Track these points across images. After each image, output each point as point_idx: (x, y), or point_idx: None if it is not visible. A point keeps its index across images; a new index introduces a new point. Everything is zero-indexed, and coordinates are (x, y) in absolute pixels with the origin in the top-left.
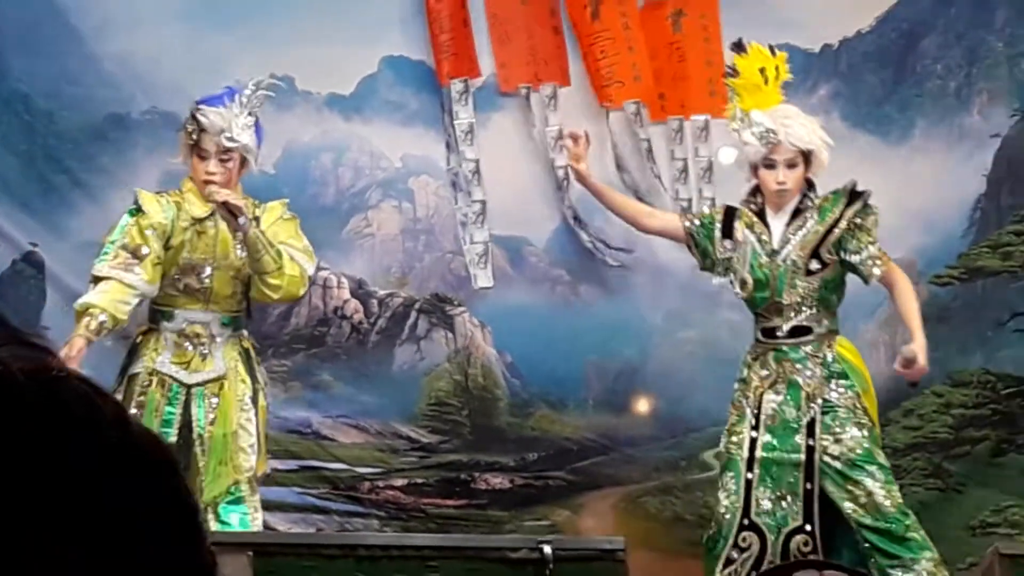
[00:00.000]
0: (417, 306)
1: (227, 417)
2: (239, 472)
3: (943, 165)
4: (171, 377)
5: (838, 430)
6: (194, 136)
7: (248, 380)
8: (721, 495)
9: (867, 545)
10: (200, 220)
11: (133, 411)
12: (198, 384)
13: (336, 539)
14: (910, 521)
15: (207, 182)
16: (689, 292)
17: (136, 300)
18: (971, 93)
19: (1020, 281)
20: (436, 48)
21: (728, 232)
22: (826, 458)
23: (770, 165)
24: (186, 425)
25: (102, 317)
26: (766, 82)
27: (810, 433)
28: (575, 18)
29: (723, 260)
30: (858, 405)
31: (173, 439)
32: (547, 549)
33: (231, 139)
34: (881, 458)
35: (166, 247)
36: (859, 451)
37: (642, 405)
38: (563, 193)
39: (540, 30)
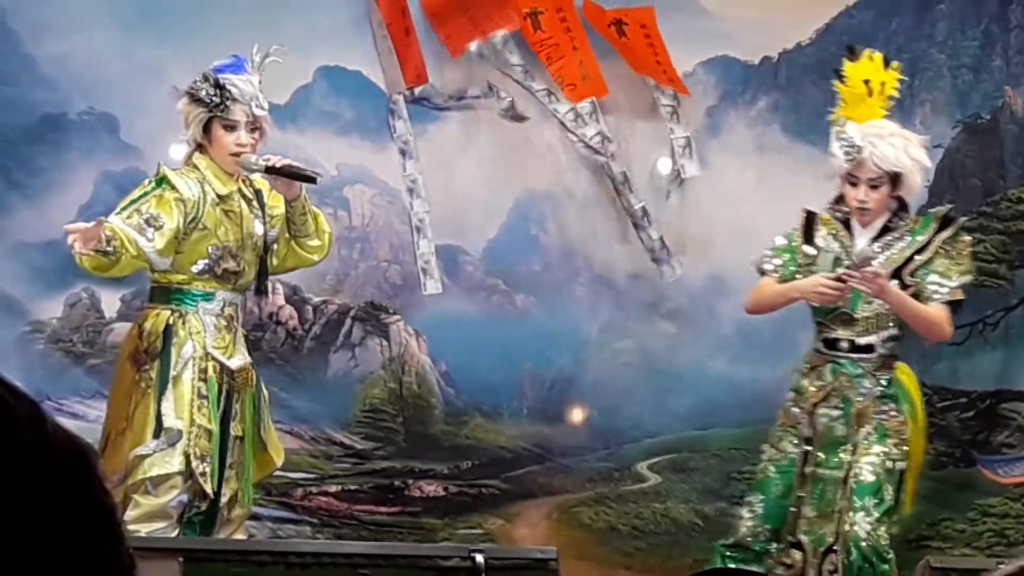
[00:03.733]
0: (352, 313)
1: (249, 415)
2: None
3: None
4: (219, 362)
5: (865, 447)
6: (221, 108)
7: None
8: (745, 512)
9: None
10: (223, 198)
11: (198, 399)
12: (239, 370)
13: (267, 546)
14: (880, 570)
15: (239, 154)
16: (626, 302)
17: (136, 265)
18: (913, 104)
19: None
20: (383, 58)
21: (809, 237)
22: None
23: (853, 182)
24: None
25: (113, 240)
26: (870, 94)
27: (854, 450)
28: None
29: (806, 268)
30: (899, 432)
31: (238, 432)
32: (479, 558)
33: (260, 107)
34: (888, 493)
35: (196, 226)
36: (871, 478)
37: (577, 415)
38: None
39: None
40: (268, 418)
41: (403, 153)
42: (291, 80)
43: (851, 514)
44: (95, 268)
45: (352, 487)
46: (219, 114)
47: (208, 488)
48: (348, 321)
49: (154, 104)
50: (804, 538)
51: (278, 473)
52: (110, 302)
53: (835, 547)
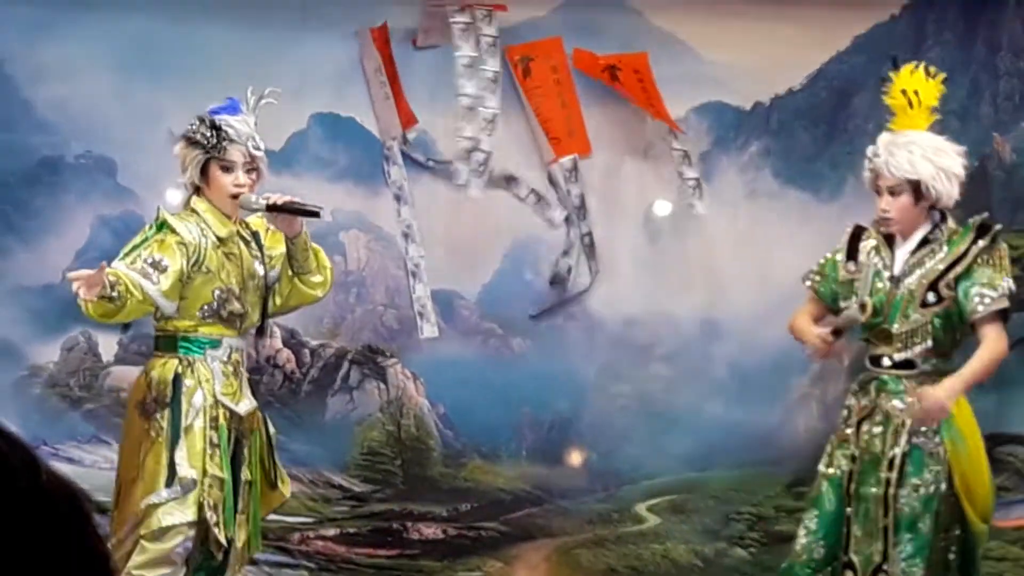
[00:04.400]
0: (349, 356)
1: (256, 458)
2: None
3: None
4: (229, 409)
5: (905, 479)
6: (217, 149)
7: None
8: (800, 531)
9: None
10: (223, 240)
11: (210, 448)
12: (247, 415)
13: None
14: None
15: (237, 195)
16: (621, 346)
17: (142, 310)
18: None
19: None
20: (392, 103)
21: (853, 254)
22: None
23: (876, 191)
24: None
25: (117, 285)
26: (911, 105)
27: (891, 467)
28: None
29: (847, 283)
30: (937, 455)
31: (247, 477)
32: None
33: (257, 147)
34: (925, 525)
35: (199, 269)
36: (906, 510)
37: (575, 457)
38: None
39: None
40: (277, 454)
41: (397, 199)
42: (286, 126)
43: (891, 548)
44: (101, 315)
45: (350, 530)
46: (216, 155)
47: (222, 537)
48: (345, 364)
49: (151, 148)
50: (855, 558)
51: (275, 517)
52: (107, 346)
53: (884, 567)
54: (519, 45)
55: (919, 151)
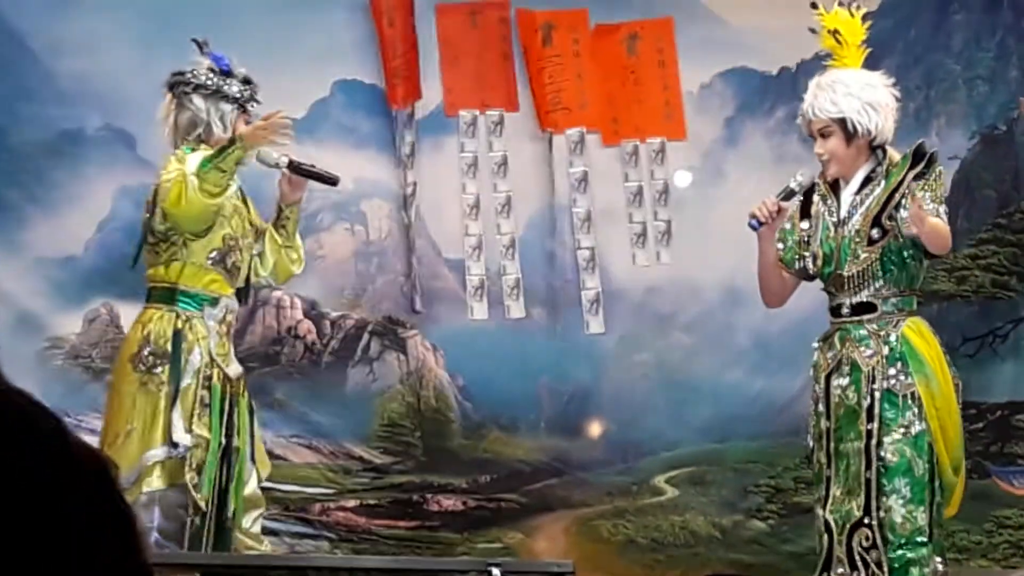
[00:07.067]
0: (369, 328)
1: (244, 425)
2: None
3: None
4: (222, 370)
5: (887, 426)
6: (253, 103)
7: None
8: (819, 510)
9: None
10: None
11: (200, 408)
12: (236, 379)
13: (285, 561)
14: (916, 554)
15: None
16: (641, 315)
17: (210, 211)
18: (930, 116)
19: (972, 306)
20: (389, 72)
21: (806, 211)
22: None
23: (812, 136)
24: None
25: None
26: (840, 45)
27: (870, 417)
28: (526, 42)
29: (805, 242)
30: (914, 396)
31: (237, 443)
32: (496, 572)
33: None
34: (919, 467)
35: (217, 210)
36: (896, 459)
37: (595, 428)
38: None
39: (489, 55)
40: (258, 430)
41: (401, 165)
42: (309, 94)
43: (884, 499)
44: (214, 184)
45: (370, 501)
46: (248, 110)
47: (201, 500)
48: (366, 336)
49: None
50: (831, 517)
51: (295, 488)
52: (129, 317)
53: (865, 521)
54: (544, 12)
55: (843, 88)
